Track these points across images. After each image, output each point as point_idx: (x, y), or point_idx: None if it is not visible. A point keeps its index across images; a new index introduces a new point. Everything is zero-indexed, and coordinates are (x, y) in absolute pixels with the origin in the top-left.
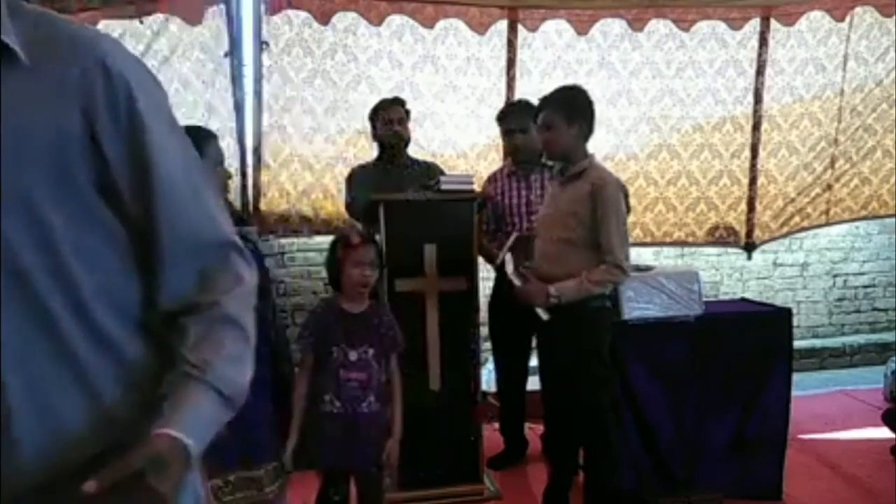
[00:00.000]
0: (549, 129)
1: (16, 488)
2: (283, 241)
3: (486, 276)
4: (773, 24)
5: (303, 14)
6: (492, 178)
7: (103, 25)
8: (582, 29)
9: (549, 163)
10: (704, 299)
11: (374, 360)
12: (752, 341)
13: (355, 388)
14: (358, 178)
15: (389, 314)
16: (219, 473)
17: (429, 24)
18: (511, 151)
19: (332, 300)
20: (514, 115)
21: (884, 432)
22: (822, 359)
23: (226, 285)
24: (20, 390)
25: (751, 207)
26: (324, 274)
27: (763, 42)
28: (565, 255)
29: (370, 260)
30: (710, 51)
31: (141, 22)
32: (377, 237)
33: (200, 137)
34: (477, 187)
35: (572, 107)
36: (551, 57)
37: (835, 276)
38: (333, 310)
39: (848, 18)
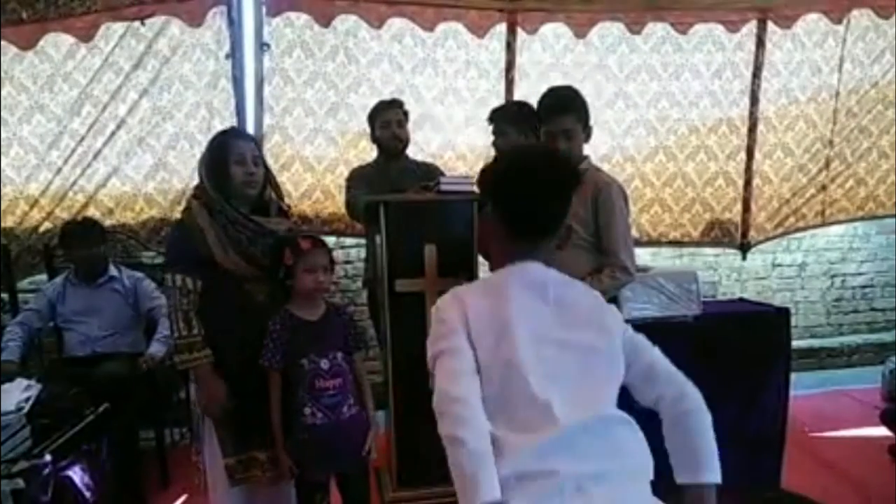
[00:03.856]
0: (571, 138)
1: None
2: None
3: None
4: (770, 26)
5: (304, 16)
6: None
7: (105, 28)
8: (580, 32)
9: None
10: (703, 299)
11: (345, 362)
12: (751, 341)
13: (333, 396)
14: (357, 179)
15: (348, 313)
16: (234, 454)
17: (429, 27)
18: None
19: (285, 314)
20: (495, 121)
21: (881, 431)
22: (820, 358)
23: None
24: None
25: (746, 208)
26: None
27: (760, 45)
28: (565, 255)
29: (323, 264)
30: (707, 53)
31: (142, 23)
32: (378, 238)
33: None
34: (475, 189)
35: (586, 113)
36: (550, 60)
37: (833, 276)
38: (290, 322)
39: (844, 21)
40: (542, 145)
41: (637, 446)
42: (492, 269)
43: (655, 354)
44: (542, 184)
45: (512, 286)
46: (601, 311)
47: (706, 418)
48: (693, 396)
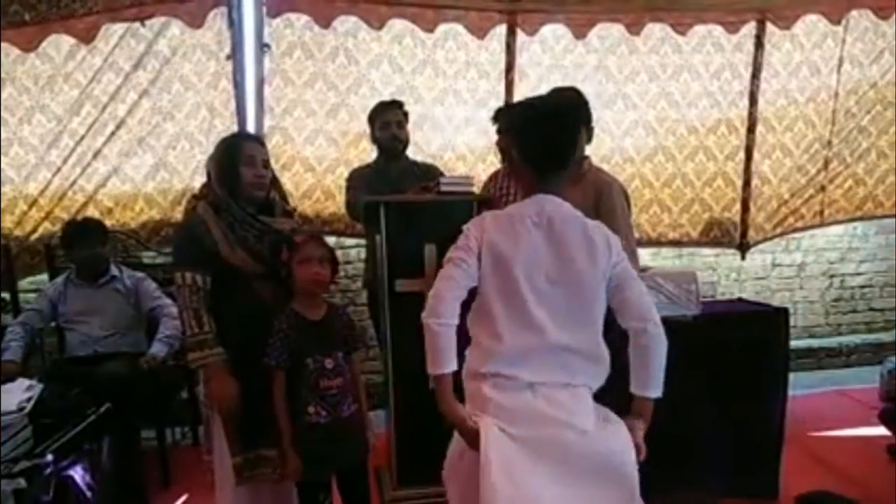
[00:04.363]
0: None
1: None
2: None
3: None
4: (769, 27)
5: (304, 17)
6: (493, 176)
7: (105, 28)
8: (579, 33)
9: None
10: (702, 299)
11: (345, 362)
12: (749, 341)
13: (335, 395)
14: (358, 180)
15: (347, 313)
16: (242, 452)
17: (429, 28)
18: (502, 153)
19: (290, 313)
20: (499, 119)
21: (879, 431)
22: (819, 358)
23: None
24: None
25: (745, 208)
26: None
27: (758, 45)
28: None
29: (319, 256)
30: (706, 54)
31: (143, 24)
32: (378, 238)
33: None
34: (476, 189)
35: (588, 115)
36: (549, 61)
37: (831, 276)
38: (296, 321)
39: (843, 22)
40: (549, 94)
41: (583, 370)
42: None
43: (632, 292)
44: (547, 120)
45: (525, 222)
46: (594, 251)
47: (660, 351)
48: (652, 333)
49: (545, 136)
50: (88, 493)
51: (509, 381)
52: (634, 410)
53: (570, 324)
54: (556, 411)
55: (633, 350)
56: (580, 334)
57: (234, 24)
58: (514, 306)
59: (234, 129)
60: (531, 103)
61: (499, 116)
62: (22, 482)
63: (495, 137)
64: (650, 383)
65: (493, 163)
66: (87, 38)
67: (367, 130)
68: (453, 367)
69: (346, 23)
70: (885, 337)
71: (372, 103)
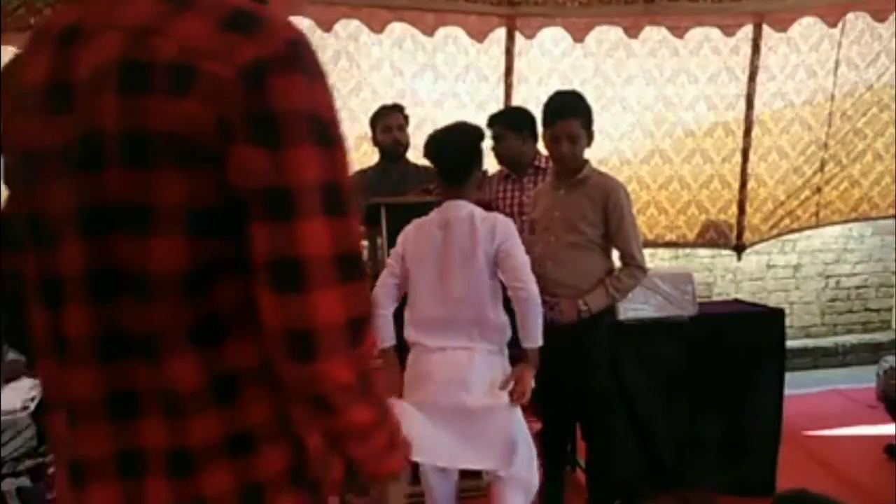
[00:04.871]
0: (575, 142)
1: None
2: None
3: None
4: (766, 30)
5: (306, 21)
6: (489, 180)
7: None
8: (578, 36)
9: (542, 165)
10: (698, 300)
11: None
12: (746, 341)
13: None
14: (359, 182)
15: None
16: None
17: (429, 31)
18: (496, 157)
19: None
20: (492, 126)
21: (876, 430)
22: (815, 358)
23: None
24: None
25: (741, 210)
26: None
27: (755, 48)
28: (575, 258)
29: None
30: (703, 57)
31: None
32: (379, 239)
33: None
34: None
35: (590, 117)
36: (548, 64)
37: (827, 277)
38: None
39: (840, 24)
40: (457, 123)
41: (480, 335)
42: None
43: (512, 263)
44: (445, 141)
45: (432, 227)
46: (477, 240)
47: (534, 309)
48: (526, 300)
49: (448, 158)
50: None
51: (423, 347)
52: (525, 359)
53: (464, 300)
54: (452, 370)
55: (516, 310)
56: (473, 307)
57: None
58: (423, 291)
59: None
60: (439, 133)
61: (493, 122)
62: (26, 481)
63: (491, 143)
64: (530, 336)
65: (492, 165)
66: None
67: (369, 133)
68: (391, 342)
69: (348, 27)
70: (881, 337)
71: (373, 107)
